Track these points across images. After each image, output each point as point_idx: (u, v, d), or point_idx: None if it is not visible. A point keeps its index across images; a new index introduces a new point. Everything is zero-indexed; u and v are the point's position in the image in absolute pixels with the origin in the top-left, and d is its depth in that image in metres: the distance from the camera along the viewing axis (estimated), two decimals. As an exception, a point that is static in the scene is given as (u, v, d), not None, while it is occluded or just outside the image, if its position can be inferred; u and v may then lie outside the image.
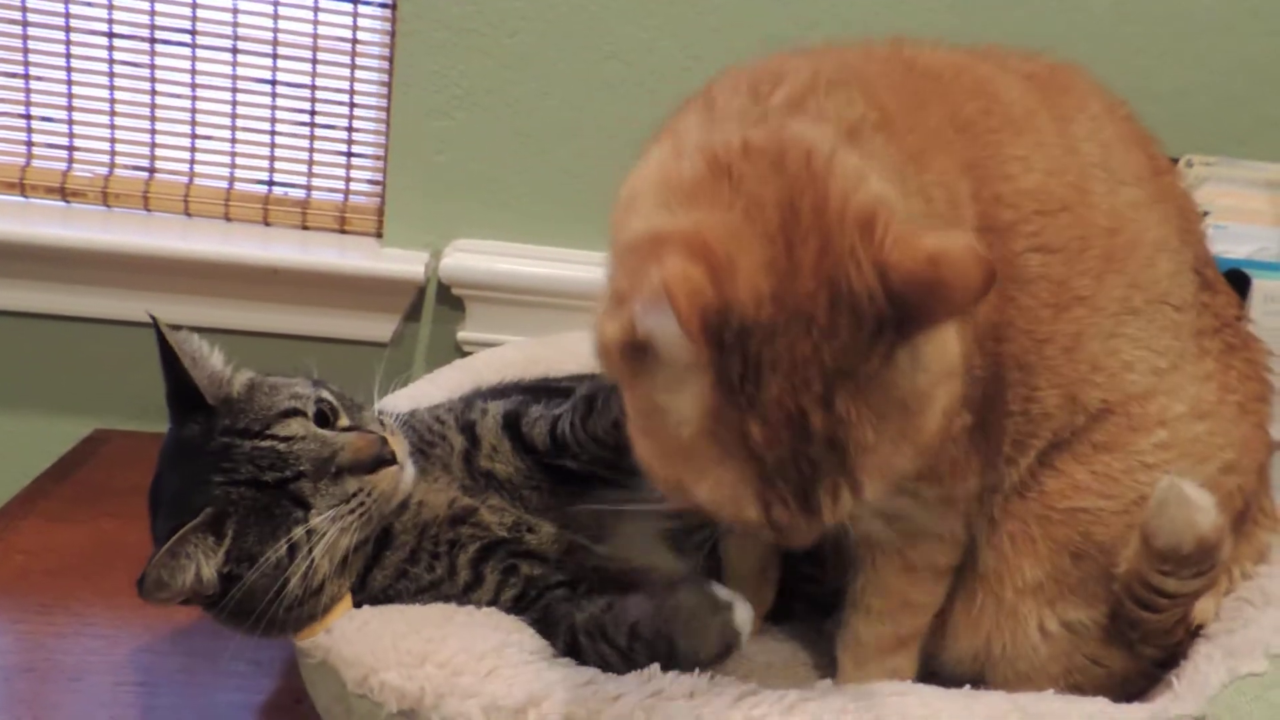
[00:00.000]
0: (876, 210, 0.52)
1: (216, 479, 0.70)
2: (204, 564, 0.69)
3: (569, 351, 1.20)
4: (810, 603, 0.88)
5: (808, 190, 0.52)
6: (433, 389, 1.09)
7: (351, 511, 0.72)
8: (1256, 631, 0.66)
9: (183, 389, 0.74)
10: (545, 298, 1.37)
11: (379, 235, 1.42)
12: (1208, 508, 0.66)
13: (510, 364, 1.16)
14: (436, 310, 1.41)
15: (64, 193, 1.39)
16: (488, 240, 1.39)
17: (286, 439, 0.71)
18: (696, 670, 0.63)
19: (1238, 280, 1.26)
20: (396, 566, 0.77)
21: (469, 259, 1.36)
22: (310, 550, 0.70)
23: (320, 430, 0.73)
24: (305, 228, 1.43)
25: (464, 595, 0.77)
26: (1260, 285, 1.24)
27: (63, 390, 1.39)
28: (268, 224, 1.42)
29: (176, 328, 0.76)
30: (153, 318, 0.74)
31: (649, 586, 0.73)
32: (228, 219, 1.42)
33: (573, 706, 0.60)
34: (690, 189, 0.54)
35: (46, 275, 1.34)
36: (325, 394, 0.77)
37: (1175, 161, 1.39)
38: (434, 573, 0.77)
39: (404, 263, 1.35)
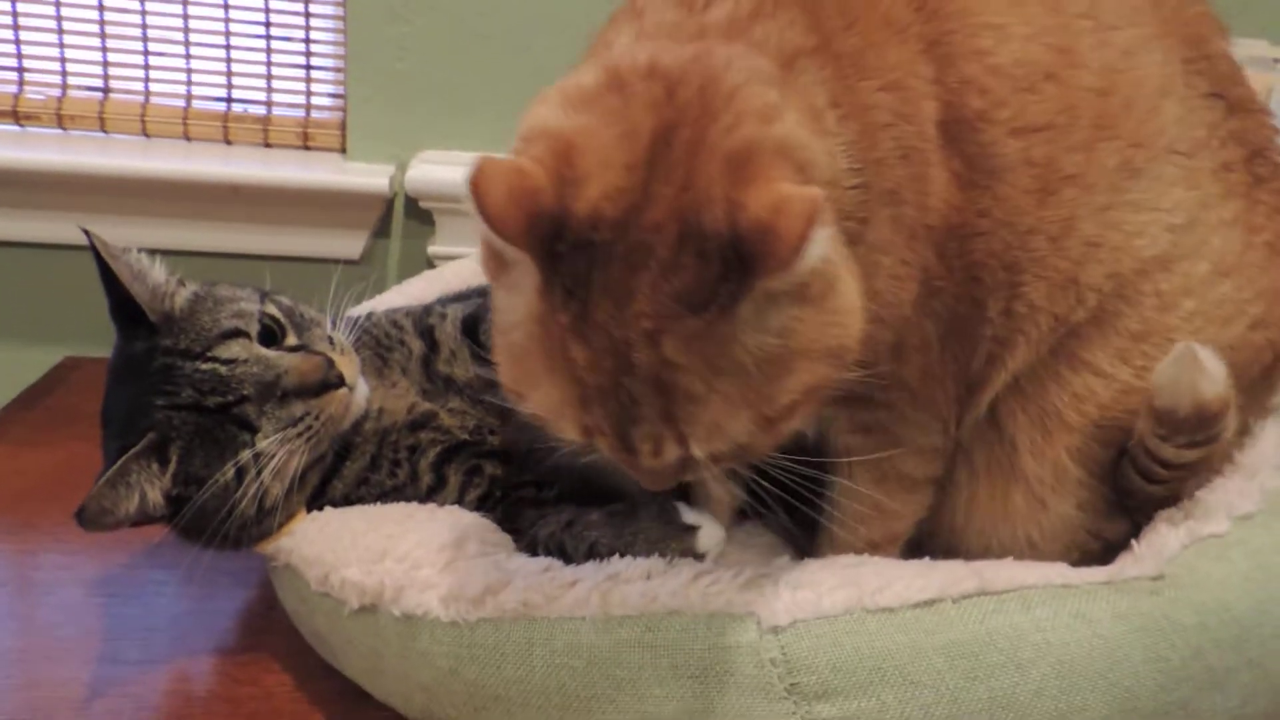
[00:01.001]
0: (756, 151, 0.49)
1: (159, 401, 0.68)
2: (149, 489, 0.68)
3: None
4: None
5: (689, 124, 0.50)
6: (400, 299, 1.08)
7: (299, 435, 0.70)
8: (1221, 495, 0.66)
9: (124, 305, 0.72)
10: (515, 207, 1.34)
11: (343, 150, 1.38)
12: (1216, 376, 0.64)
13: (478, 273, 1.14)
14: (406, 225, 1.39)
15: (16, 116, 1.36)
16: (454, 151, 1.36)
17: (228, 362, 0.69)
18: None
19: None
20: (357, 475, 0.76)
21: (436, 170, 1.33)
22: (259, 473, 0.69)
23: (264, 351, 0.71)
24: (267, 145, 1.40)
25: (428, 498, 0.76)
26: (1240, 166, 1.23)
27: (30, 319, 1.37)
28: (228, 142, 1.39)
29: (124, 249, 0.74)
30: (86, 233, 0.71)
31: (614, 502, 0.72)
32: (187, 138, 1.38)
33: (529, 593, 0.60)
34: (586, 96, 0.52)
35: (4, 202, 1.31)
36: (272, 309, 0.74)
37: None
38: (395, 478, 0.77)
39: (368, 177, 1.33)
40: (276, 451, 0.69)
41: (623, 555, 0.63)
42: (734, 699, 0.56)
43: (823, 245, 0.48)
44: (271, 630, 0.78)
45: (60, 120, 1.36)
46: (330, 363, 0.72)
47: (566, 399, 0.51)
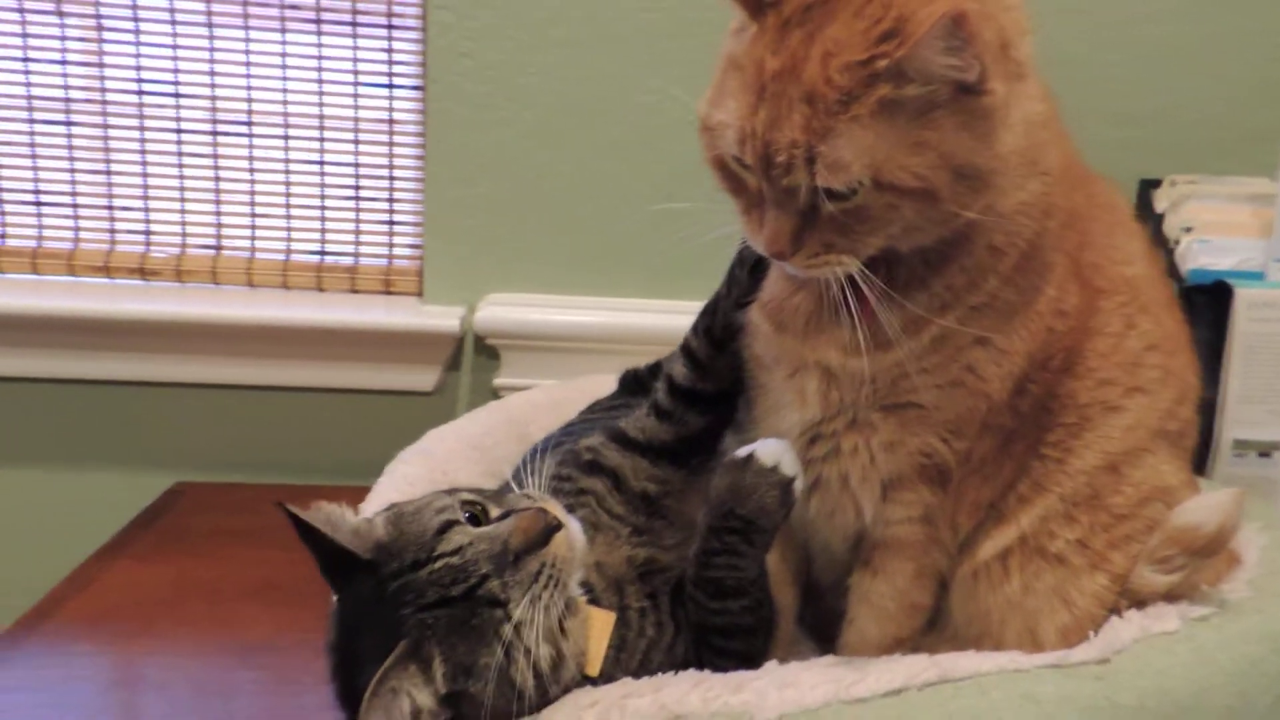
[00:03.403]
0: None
1: (405, 613, 0.68)
2: (415, 694, 0.67)
3: (589, 393, 1.32)
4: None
5: None
6: (474, 426, 1.21)
7: (544, 588, 0.71)
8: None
9: (334, 557, 0.72)
10: (571, 343, 1.49)
11: (420, 294, 1.56)
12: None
13: (537, 405, 1.28)
14: (475, 360, 1.55)
15: (143, 272, 1.56)
16: (517, 294, 1.52)
17: (456, 551, 0.70)
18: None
19: (1220, 293, 1.32)
20: (614, 640, 0.77)
21: (500, 311, 1.49)
22: (524, 641, 0.69)
23: (482, 530, 0.73)
24: (355, 291, 1.58)
25: (672, 647, 0.80)
26: (1243, 294, 1.30)
27: (147, 448, 1.55)
28: (321, 290, 1.57)
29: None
30: (286, 511, 0.71)
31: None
32: (286, 287, 1.57)
33: None
34: None
35: (130, 346, 1.50)
36: (466, 495, 0.76)
37: (1159, 183, 1.46)
38: (646, 635, 0.79)
39: (442, 318, 1.49)
40: (531, 614, 0.70)
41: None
42: (734, 787, 0.64)
43: (970, 59, 0.62)
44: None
45: (179, 275, 1.56)
46: (544, 510, 0.74)
47: (743, 106, 0.66)
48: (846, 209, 0.66)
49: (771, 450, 0.78)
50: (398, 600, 0.69)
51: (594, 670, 0.74)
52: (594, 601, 0.78)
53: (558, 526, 0.73)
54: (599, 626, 0.76)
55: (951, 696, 0.65)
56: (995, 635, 0.78)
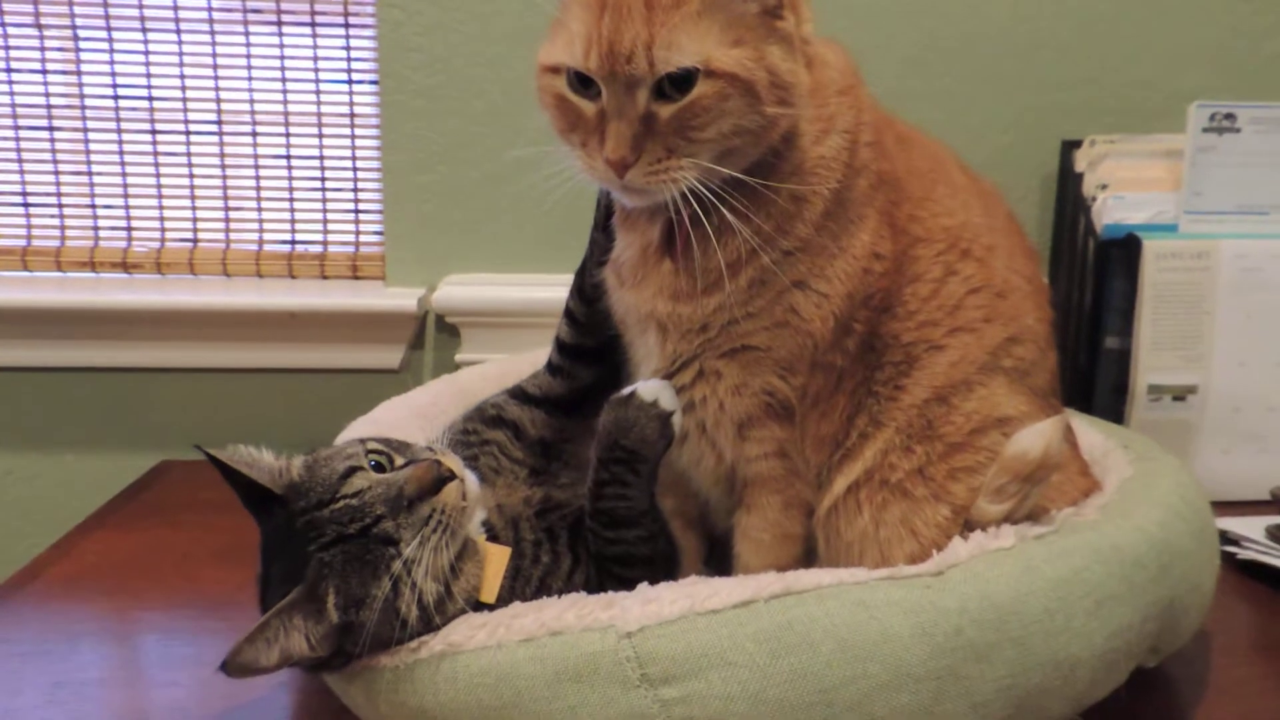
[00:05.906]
0: None
1: (310, 549, 0.76)
2: (300, 636, 0.75)
3: (536, 364, 1.39)
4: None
5: None
6: (424, 396, 1.30)
7: (434, 532, 0.78)
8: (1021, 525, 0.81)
9: (253, 492, 0.80)
10: (526, 318, 1.57)
11: (384, 278, 1.64)
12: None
13: (487, 377, 1.36)
14: (437, 338, 1.63)
15: (126, 266, 1.66)
16: (474, 273, 1.61)
17: (356, 494, 0.78)
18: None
19: (1131, 246, 1.38)
20: (509, 568, 0.85)
21: (458, 290, 1.58)
22: (411, 577, 0.77)
23: (382, 475, 0.80)
24: (324, 277, 1.67)
25: (570, 577, 0.88)
26: (1151, 246, 1.36)
27: (133, 430, 1.65)
28: (293, 277, 1.67)
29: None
30: (203, 450, 0.80)
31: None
32: (259, 275, 1.66)
33: (453, 635, 0.76)
34: None
35: (116, 335, 1.61)
36: (374, 445, 0.84)
37: (1080, 143, 1.52)
38: (541, 563, 0.87)
39: (403, 299, 1.58)
40: (420, 553, 0.77)
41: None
42: (602, 691, 0.71)
43: None
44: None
45: (159, 267, 1.66)
46: (438, 462, 0.81)
47: (588, 22, 0.74)
48: (683, 107, 0.75)
49: (651, 388, 0.87)
50: (304, 536, 0.77)
51: (490, 598, 0.83)
52: (493, 538, 0.87)
53: (450, 477, 0.81)
54: (495, 560, 0.84)
55: (793, 605, 0.72)
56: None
